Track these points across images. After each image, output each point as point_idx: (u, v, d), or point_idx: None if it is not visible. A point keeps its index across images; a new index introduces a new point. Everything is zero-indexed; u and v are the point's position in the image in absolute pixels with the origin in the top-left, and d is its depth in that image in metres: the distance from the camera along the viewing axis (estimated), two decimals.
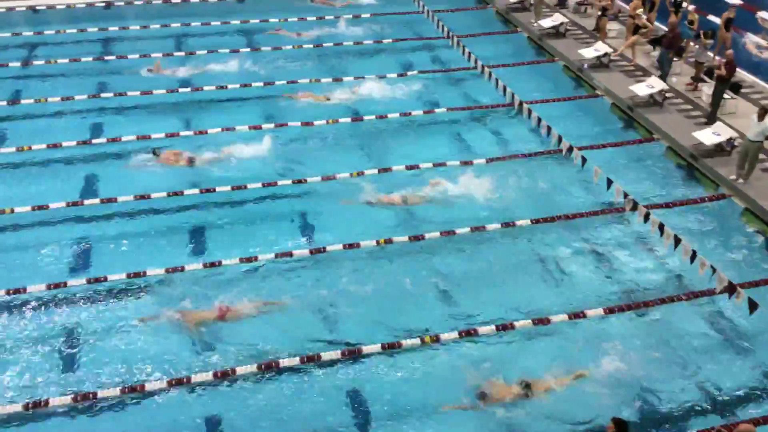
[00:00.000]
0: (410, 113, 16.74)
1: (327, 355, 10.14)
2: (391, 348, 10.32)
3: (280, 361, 9.99)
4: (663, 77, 17.08)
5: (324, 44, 20.21)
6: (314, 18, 21.90)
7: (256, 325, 10.78)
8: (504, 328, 10.71)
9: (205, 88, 17.43)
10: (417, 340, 10.42)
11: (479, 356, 10.30)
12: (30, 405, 9.28)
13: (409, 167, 14.54)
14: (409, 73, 18.81)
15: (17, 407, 9.27)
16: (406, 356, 10.31)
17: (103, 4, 22.18)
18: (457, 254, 12.41)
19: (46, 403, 9.34)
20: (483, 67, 17.85)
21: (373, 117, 16.45)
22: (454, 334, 10.55)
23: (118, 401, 9.50)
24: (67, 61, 18.47)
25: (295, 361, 10.04)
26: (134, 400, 9.53)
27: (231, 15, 21.71)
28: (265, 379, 9.88)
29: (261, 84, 17.71)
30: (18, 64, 18.42)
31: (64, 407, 9.36)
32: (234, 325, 10.72)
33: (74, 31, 20.33)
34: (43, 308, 10.99)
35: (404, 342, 10.37)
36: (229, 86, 17.45)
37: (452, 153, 15.42)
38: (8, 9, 21.68)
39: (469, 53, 18.59)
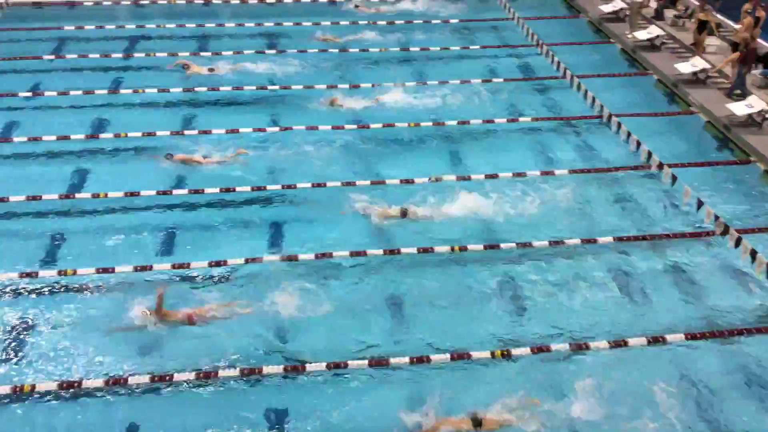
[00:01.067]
0: (493, 120, 16.55)
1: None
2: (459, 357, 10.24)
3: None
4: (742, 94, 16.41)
5: (410, 48, 20.27)
6: (402, 22, 21.98)
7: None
8: (579, 347, 10.42)
9: (293, 87, 17.80)
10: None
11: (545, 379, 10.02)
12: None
13: (489, 176, 14.36)
14: (494, 79, 18.60)
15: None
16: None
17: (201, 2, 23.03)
18: (535, 267, 12.17)
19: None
20: (572, 76, 17.48)
21: (455, 122, 16.37)
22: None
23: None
24: (165, 54, 19.21)
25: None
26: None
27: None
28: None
29: (347, 86, 17.91)
30: (120, 55, 19.30)
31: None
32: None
33: (173, 26, 21.15)
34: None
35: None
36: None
37: (534, 163, 15.12)
38: (114, 3, 22.80)
39: (558, 62, 18.26)
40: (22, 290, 11.32)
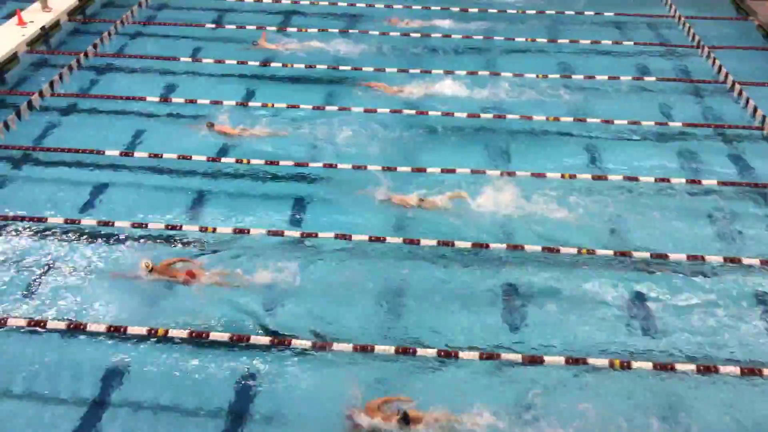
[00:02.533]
0: (639, 123, 15.75)
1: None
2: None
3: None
4: None
5: (559, 40, 19.69)
6: (553, 12, 21.35)
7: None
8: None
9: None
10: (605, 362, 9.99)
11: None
12: None
13: (627, 177, 13.78)
14: (645, 78, 17.68)
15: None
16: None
17: None
18: (669, 281, 11.58)
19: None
20: (734, 82, 16.30)
21: (598, 120, 15.74)
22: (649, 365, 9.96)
23: None
24: (315, 30, 19.84)
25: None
26: None
27: None
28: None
29: (487, 73, 17.72)
30: (274, 28, 20.13)
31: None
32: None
33: (326, 3, 21.74)
34: None
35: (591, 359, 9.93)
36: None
37: (681, 169, 14.31)
38: None
39: (720, 66, 17.08)
40: (66, 234, 12.34)
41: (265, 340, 10.30)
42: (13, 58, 17.79)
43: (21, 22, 18.94)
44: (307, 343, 10.22)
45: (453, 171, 13.93)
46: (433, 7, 21.57)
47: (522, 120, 15.74)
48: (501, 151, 14.97)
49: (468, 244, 12.13)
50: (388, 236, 12.30)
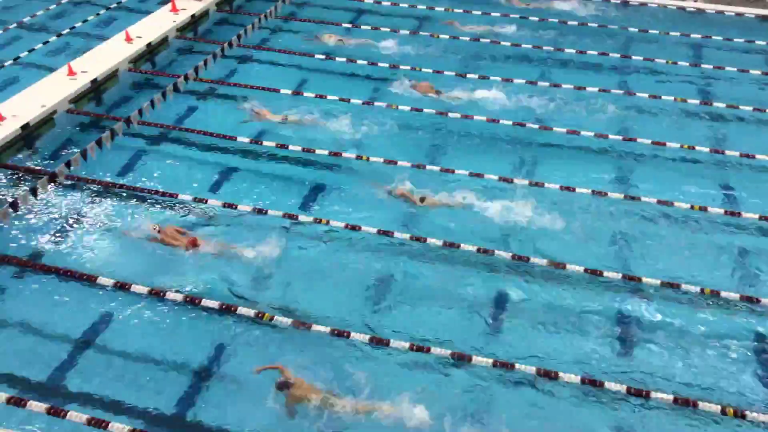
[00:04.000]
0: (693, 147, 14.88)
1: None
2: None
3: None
4: None
5: (615, 55, 18.77)
6: (629, 28, 20.38)
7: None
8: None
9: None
10: None
11: None
12: None
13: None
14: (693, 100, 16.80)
15: None
16: None
17: None
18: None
19: None
20: None
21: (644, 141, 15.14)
22: None
23: None
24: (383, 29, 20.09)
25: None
26: None
27: None
28: None
29: (536, 83, 17.15)
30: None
31: None
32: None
33: (391, 4, 21.84)
34: None
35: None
36: None
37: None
38: None
39: None
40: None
41: (250, 312, 10.87)
42: (163, 42, 19.11)
43: (174, 9, 20.28)
44: (286, 321, 10.75)
45: (480, 175, 13.95)
46: (493, 14, 21.43)
47: (559, 133, 15.50)
48: (529, 162, 14.83)
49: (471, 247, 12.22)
50: (393, 230, 12.59)
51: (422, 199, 13.19)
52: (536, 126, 15.78)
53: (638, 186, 14.07)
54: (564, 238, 12.58)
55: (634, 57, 18.91)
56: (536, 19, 21.24)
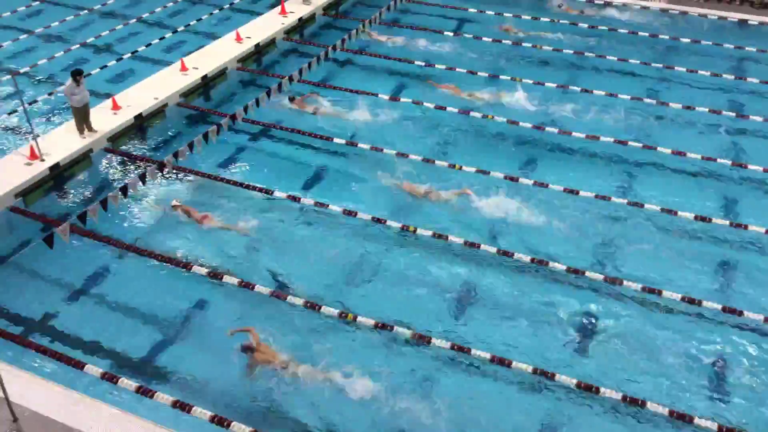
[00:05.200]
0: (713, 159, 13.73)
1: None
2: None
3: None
4: None
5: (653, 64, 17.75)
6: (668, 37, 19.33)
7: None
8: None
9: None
10: None
11: None
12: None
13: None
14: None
15: None
16: None
17: None
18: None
19: None
20: None
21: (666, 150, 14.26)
22: None
23: None
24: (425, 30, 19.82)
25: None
26: None
27: None
28: None
29: (566, 87, 16.45)
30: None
31: None
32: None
33: (439, 5, 21.56)
34: None
35: None
36: None
37: None
38: None
39: None
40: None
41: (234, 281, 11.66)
42: (271, 43, 19.80)
43: (283, 12, 20.97)
44: (264, 290, 11.48)
45: (486, 173, 14.33)
46: (543, 19, 21.42)
47: (577, 138, 15.55)
48: (541, 164, 14.97)
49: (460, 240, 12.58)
50: (388, 219, 13.08)
51: (428, 193, 13.76)
52: (555, 130, 15.89)
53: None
54: (549, 233, 12.77)
55: (677, 67, 18.62)
56: (586, 26, 21.22)
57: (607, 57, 19.23)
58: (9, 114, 16.51)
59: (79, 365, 10.05)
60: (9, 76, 16.76)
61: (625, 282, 11.71)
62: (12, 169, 13.86)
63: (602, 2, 22.73)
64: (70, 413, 9.19)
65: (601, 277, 11.83)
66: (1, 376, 8.75)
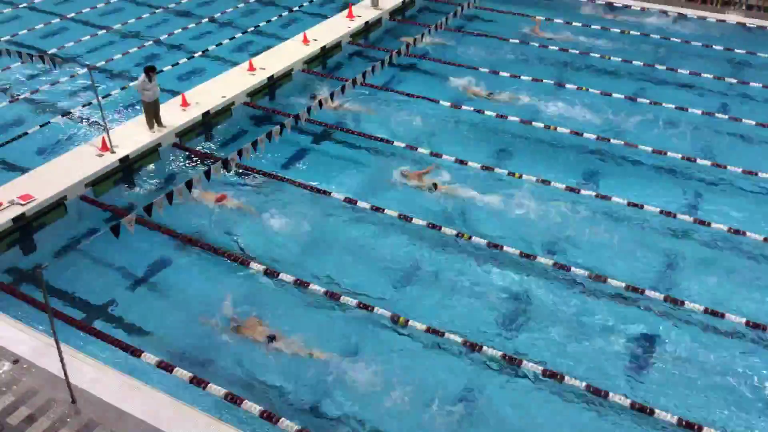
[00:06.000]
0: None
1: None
2: None
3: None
4: None
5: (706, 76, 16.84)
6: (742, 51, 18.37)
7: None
8: None
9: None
10: None
11: None
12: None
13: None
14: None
15: None
16: None
17: None
18: None
19: None
20: None
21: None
22: None
23: None
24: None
25: None
26: None
27: None
28: None
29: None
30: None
31: None
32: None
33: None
34: None
35: None
36: None
37: None
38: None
39: None
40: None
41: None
42: (337, 46, 20.03)
43: (350, 15, 21.18)
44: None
45: (547, 182, 14.29)
46: (613, 29, 21.03)
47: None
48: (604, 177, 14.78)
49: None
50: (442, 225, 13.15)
51: (435, 186, 14.21)
52: (621, 142, 15.59)
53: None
54: (609, 248, 12.62)
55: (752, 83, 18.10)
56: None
57: (679, 70, 18.75)
58: (84, 106, 17.22)
59: (137, 352, 10.39)
60: (85, 70, 17.48)
61: (687, 303, 11.35)
62: (84, 160, 14.43)
63: (676, 14, 22.13)
64: (125, 398, 9.51)
65: (661, 297, 11.50)
66: (64, 359, 9.12)
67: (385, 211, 13.51)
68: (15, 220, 12.76)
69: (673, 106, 16.91)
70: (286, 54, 18.97)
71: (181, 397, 9.62)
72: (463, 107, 17.14)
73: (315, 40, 19.63)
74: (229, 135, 16.44)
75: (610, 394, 9.86)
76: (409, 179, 14.44)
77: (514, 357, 10.46)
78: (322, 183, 14.42)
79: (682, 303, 11.36)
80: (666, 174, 14.88)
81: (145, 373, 10.15)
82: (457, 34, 21.09)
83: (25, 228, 12.94)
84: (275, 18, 22.34)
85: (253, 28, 21.53)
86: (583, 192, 14.01)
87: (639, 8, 22.62)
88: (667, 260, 12.52)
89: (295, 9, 23.12)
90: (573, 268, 12.05)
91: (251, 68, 17.99)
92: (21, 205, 12.96)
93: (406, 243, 12.94)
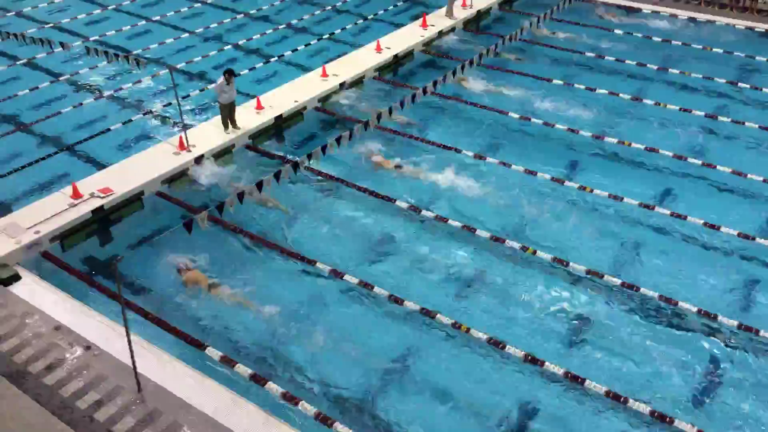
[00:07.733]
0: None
1: None
2: None
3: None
4: None
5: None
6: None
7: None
8: None
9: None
10: None
11: None
12: None
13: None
14: None
15: None
16: None
17: None
18: None
19: None
20: None
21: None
22: None
23: None
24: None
25: None
26: None
27: None
28: None
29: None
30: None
31: None
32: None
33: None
34: None
35: None
36: None
37: None
38: None
39: None
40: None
41: None
42: (409, 54, 20.13)
43: (424, 24, 21.27)
44: (383, 292, 11.87)
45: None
46: (695, 45, 20.59)
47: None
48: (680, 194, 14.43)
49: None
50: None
51: (397, 167, 14.89)
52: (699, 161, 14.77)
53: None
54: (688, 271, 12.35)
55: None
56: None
57: (764, 89, 18.08)
58: (164, 105, 17.86)
59: (201, 346, 10.68)
60: (166, 71, 18.11)
61: (761, 332, 10.90)
62: (162, 157, 14.97)
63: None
64: (188, 390, 9.78)
65: (735, 323, 11.06)
66: (133, 349, 9.45)
67: (449, 221, 13.51)
68: (94, 211, 13.35)
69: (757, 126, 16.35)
70: (359, 61, 19.20)
71: (243, 394, 9.85)
72: (533, 120, 16.96)
73: (388, 48, 19.79)
74: (301, 138, 16.73)
75: (676, 421, 9.56)
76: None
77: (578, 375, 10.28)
78: (387, 190, 14.49)
79: (758, 331, 10.92)
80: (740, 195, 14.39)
81: (209, 367, 10.42)
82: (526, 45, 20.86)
83: (103, 220, 13.52)
84: (350, 26, 22.64)
85: (328, 36, 21.88)
86: (658, 209, 13.68)
87: None
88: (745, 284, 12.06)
89: (369, 17, 23.37)
90: (643, 289, 11.76)
91: (324, 74, 18.27)
92: (100, 197, 13.56)
93: (472, 254, 12.85)
